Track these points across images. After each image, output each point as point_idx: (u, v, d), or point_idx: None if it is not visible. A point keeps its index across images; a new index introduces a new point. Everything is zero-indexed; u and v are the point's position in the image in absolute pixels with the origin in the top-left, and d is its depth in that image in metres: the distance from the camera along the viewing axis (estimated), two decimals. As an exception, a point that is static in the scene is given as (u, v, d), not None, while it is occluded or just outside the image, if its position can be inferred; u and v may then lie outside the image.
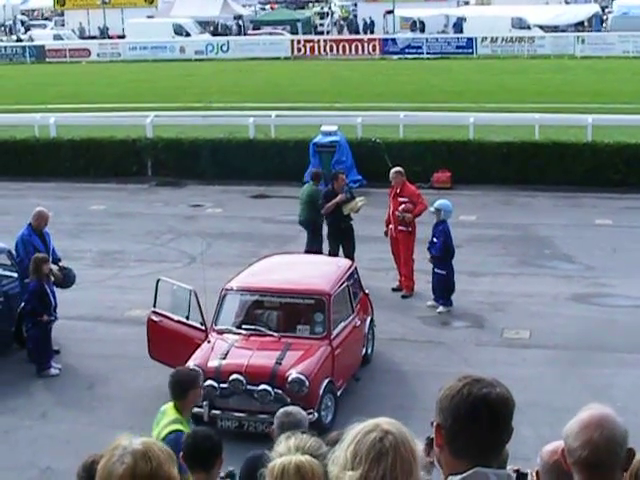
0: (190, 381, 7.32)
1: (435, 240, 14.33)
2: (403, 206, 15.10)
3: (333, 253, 15.07)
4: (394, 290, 15.41)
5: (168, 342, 11.56)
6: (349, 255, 14.87)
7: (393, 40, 55.03)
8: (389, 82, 41.06)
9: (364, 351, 12.54)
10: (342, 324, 11.73)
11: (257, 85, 41.41)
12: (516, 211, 20.47)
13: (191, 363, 10.68)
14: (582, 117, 24.30)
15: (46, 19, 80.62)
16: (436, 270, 14.40)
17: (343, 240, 15.37)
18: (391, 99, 33.66)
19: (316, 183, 16.29)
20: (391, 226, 15.39)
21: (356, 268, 12.98)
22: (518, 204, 21.03)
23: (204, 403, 10.47)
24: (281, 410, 6.48)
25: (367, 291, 13.18)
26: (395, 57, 52.57)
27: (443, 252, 14.32)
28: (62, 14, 77.32)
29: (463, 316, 14.39)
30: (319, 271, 12.40)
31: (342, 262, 13.08)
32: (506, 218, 19.84)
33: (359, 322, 12.35)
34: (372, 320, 13.00)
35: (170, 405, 7.38)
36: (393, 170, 15.50)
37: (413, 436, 3.15)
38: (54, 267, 13.14)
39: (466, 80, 40.77)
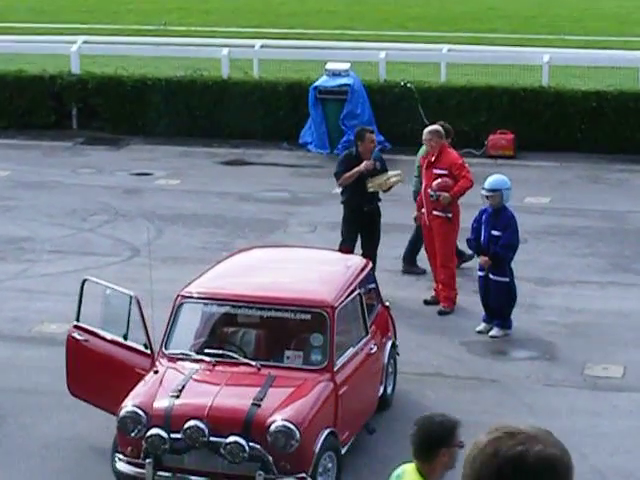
0: (445, 435, 7.34)
1: (496, 233, 14.26)
2: (439, 181, 15.09)
3: (346, 247, 15.00)
4: (427, 303, 15.45)
5: (97, 371, 11.54)
6: (370, 252, 14.83)
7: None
8: (428, 0, 41.00)
9: (382, 390, 12.58)
10: (350, 350, 11.75)
11: (234, 1, 41.35)
12: (608, 192, 20.48)
13: (129, 403, 10.69)
14: None
15: None
16: (493, 277, 14.35)
17: (363, 229, 15.32)
18: (430, 26, 33.61)
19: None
20: (424, 210, 15.40)
21: (373, 270, 13.00)
22: (611, 182, 21.05)
23: (147, 461, 10.48)
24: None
25: (388, 303, 13.22)
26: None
27: (511, 250, 14.29)
28: None
29: (527, 343, 14.41)
30: (319, 273, 12.42)
31: (353, 261, 13.08)
32: (593, 202, 19.84)
33: (375, 348, 12.36)
34: (394, 345, 13.03)
35: (411, 466, 7.30)
36: (428, 129, 15.51)
37: None
38: None
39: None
